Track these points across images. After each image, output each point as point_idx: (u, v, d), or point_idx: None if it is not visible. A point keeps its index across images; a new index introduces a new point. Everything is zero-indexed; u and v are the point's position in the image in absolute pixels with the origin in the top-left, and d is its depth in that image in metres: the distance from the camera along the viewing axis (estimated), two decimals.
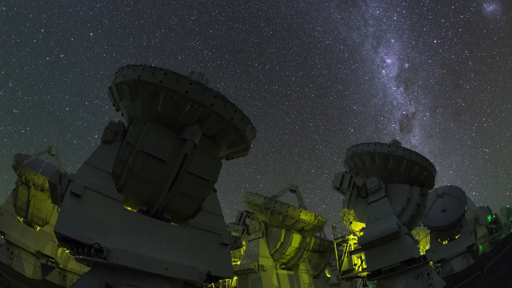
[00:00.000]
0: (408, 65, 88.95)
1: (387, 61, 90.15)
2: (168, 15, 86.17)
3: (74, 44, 77.80)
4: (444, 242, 25.40)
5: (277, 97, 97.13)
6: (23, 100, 73.08)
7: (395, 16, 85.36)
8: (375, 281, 16.90)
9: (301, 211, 20.16)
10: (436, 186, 18.71)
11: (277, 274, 20.24)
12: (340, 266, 18.33)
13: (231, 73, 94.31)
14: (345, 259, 18.08)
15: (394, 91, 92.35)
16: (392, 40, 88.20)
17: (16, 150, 67.54)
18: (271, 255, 20.61)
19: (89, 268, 9.41)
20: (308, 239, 21.17)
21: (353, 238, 17.59)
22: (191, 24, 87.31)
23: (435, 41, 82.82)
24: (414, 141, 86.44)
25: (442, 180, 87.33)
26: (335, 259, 21.05)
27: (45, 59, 75.01)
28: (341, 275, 18.32)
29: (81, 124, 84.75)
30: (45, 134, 77.32)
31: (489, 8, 76.91)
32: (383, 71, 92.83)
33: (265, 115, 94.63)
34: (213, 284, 20.05)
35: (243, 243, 21.65)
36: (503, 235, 25.87)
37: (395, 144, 17.09)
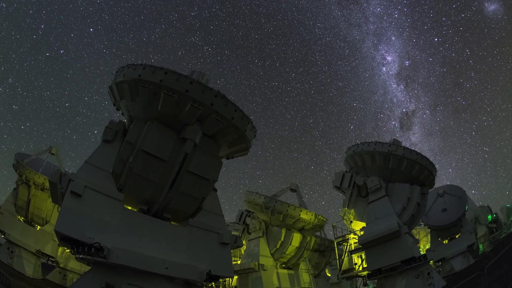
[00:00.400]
0: (409, 62, 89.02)
1: (388, 58, 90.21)
2: (169, 11, 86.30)
3: (74, 40, 77.94)
4: (444, 241, 25.42)
5: (277, 93, 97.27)
6: (23, 96, 73.23)
7: (396, 14, 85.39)
8: (376, 281, 16.92)
9: (301, 210, 20.17)
10: (436, 185, 18.67)
11: (277, 273, 20.26)
12: (341, 265, 18.34)
13: (231, 69, 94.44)
14: (346, 258, 18.08)
15: (394, 88, 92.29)
16: (393, 38, 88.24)
17: (16, 146, 67.81)
18: (271, 254, 20.62)
19: (89, 268, 9.41)
20: (308, 238, 21.18)
21: (353, 237, 17.59)
22: (192, 20, 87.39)
23: (436, 39, 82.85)
24: (414, 139, 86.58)
25: (442, 178, 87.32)
26: (335, 258, 21.07)
27: (45, 55, 75.16)
28: (342, 274, 18.33)
29: (81, 120, 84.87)
30: (45, 130, 77.52)
31: (491, 7, 76.97)
32: (384, 68, 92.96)
33: (265, 111, 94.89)
34: (213, 283, 20.06)
35: (244, 242, 21.67)
36: (504, 235, 25.90)
37: (396, 143, 17.08)
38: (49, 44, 75.48)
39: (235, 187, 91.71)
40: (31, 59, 73.95)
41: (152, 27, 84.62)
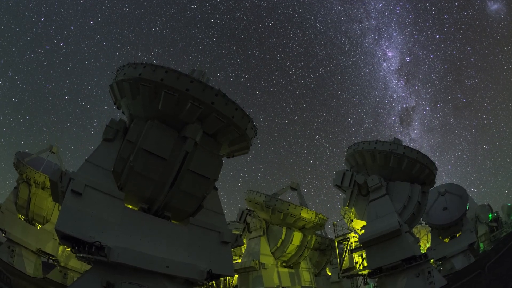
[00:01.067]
0: (410, 59, 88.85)
1: (389, 54, 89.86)
2: (169, 4, 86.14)
3: (74, 33, 77.63)
4: (445, 240, 25.42)
5: (277, 87, 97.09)
6: (23, 89, 73.08)
7: (397, 10, 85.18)
8: (376, 279, 16.93)
9: (302, 209, 20.16)
10: (435, 182, 18.64)
11: (278, 272, 20.26)
12: (341, 264, 18.35)
13: (232, 62, 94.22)
14: (346, 257, 18.08)
15: (394, 84, 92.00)
16: (394, 34, 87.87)
17: (15, 140, 67.86)
18: (272, 253, 20.64)
19: (90, 266, 9.42)
20: (309, 237, 21.19)
21: (354, 236, 17.59)
22: (192, 12, 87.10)
23: (437, 36, 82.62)
24: (414, 135, 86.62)
25: (441, 175, 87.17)
26: (336, 257, 21.07)
27: (45, 48, 74.87)
28: (342, 273, 18.34)
29: (80, 113, 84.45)
30: (44, 123, 77.45)
31: (493, 6, 76.84)
32: (384, 64, 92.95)
33: (264, 105, 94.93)
34: (214, 282, 20.10)
35: (244, 241, 21.67)
36: (504, 233, 25.86)
37: (396, 142, 17.10)
38: (49, 37, 75.41)
39: (234, 181, 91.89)
40: (31, 52, 73.69)
41: (153, 20, 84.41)
